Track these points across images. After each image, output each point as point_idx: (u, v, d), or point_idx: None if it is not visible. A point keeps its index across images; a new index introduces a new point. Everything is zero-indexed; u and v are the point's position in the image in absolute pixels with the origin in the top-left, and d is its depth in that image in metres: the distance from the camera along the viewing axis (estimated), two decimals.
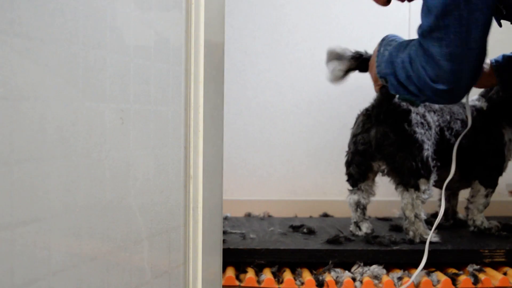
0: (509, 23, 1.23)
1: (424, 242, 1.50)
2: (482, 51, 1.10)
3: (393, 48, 1.24)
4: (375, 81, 1.45)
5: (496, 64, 1.45)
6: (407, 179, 1.51)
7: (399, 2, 1.34)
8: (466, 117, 1.52)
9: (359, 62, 1.50)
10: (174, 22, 0.91)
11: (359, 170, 1.58)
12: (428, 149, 1.52)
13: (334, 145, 2.09)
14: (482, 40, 1.09)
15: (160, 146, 0.87)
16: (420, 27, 1.12)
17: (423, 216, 1.53)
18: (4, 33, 0.55)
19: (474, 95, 1.73)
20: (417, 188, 1.51)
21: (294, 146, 2.14)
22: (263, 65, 2.13)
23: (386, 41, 1.31)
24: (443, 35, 1.06)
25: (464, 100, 1.46)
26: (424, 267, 1.44)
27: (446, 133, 1.58)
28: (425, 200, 1.53)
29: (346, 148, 1.64)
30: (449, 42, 1.06)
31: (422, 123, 1.53)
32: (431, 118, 1.56)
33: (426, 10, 1.09)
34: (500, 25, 1.22)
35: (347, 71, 1.52)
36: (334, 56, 1.50)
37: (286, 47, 2.13)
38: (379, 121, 1.53)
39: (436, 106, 1.61)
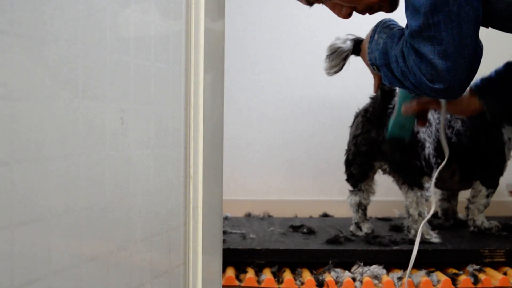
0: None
1: (425, 242, 1.50)
2: (476, 45, 1.07)
3: (388, 38, 1.19)
4: (368, 66, 1.38)
5: (477, 88, 1.39)
6: (411, 178, 1.51)
7: (361, 15, 1.28)
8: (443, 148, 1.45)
9: (355, 46, 1.44)
10: (174, 22, 0.91)
11: (361, 170, 1.59)
12: (429, 147, 1.52)
13: (334, 145, 2.09)
14: (475, 35, 1.06)
15: (160, 146, 0.87)
16: (408, 27, 1.09)
17: (426, 215, 1.53)
18: (4, 33, 0.55)
19: None
20: (421, 187, 1.51)
21: (294, 146, 2.14)
22: (263, 65, 2.13)
23: (380, 27, 1.25)
24: (434, 33, 1.04)
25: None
26: (424, 267, 1.44)
27: (447, 131, 1.59)
28: (429, 198, 1.54)
29: (346, 148, 1.64)
30: (441, 40, 1.04)
31: None
32: (431, 115, 1.57)
33: (412, 9, 1.07)
34: None
35: (345, 59, 1.46)
36: (335, 50, 1.45)
37: (286, 47, 2.13)
38: (380, 124, 1.53)
39: None
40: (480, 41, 1.09)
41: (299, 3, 1.32)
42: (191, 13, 0.95)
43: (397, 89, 1.48)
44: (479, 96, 1.38)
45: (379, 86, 1.48)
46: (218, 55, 1.03)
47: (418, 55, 1.07)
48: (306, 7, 1.32)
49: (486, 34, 1.19)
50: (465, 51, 1.05)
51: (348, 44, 1.42)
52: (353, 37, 1.43)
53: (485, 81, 1.39)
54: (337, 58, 1.43)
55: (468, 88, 1.38)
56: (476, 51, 1.07)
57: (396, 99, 1.50)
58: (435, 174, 1.42)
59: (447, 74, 1.05)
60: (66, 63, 0.64)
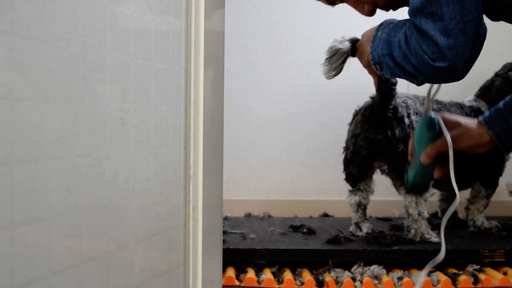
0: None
1: (424, 242, 1.50)
2: (478, 24, 1.06)
3: (391, 29, 1.18)
4: (365, 66, 1.38)
5: (484, 120, 1.35)
6: None
7: (385, 12, 1.28)
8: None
9: (352, 46, 1.42)
10: (174, 22, 0.91)
11: (360, 170, 1.58)
12: None
13: (334, 145, 2.09)
14: (477, 12, 1.05)
15: (160, 146, 0.87)
16: (411, 5, 1.09)
17: (426, 214, 1.53)
18: (4, 33, 0.55)
19: (470, 95, 1.73)
20: None
21: (294, 146, 2.14)
22: (263, 65, 2.13)
23: (384, 25, 1.24)
24: (435, 9, 1.04)
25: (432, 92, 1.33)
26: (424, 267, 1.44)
27: None
28: (428, 198, 1.54)
29: (344, 146, 1.64)
30: (442, 16, 1.03)
31: None
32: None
33: None
34: None
35: (344, 61, 1.45)
36: (335, 51, 1.44)
37: (286, 47, 2.13)
38: (379, 124, 1.53)
39: (435, 106, 1.61)
40: (484, 23, 1.09)
41: (298, 3, 1.32)
42: (191, 12, 0.95)
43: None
44: (487, 128, 1.34)
45: (378, 85, 1.48)
46: (218, 55, 1.03)
47: (420, 33, 1.07)
48: (306, 7, 1.32)
49: (487, 35, 1.19)
50: (467, 28, 1.04)
51: (347, 45, 1.42)
52: (350, 37, 1.43)
53: (492, 112, 1.35)
54: (337, 61, 1.43)
55: (476, 121, 1.35)
56: (478, 30, 1.06)
57: (400, 110, 1.51)
58: (444, 221, 1.32)
59: (449, 51, 1.05)
60: (66, 63, 0.64)
